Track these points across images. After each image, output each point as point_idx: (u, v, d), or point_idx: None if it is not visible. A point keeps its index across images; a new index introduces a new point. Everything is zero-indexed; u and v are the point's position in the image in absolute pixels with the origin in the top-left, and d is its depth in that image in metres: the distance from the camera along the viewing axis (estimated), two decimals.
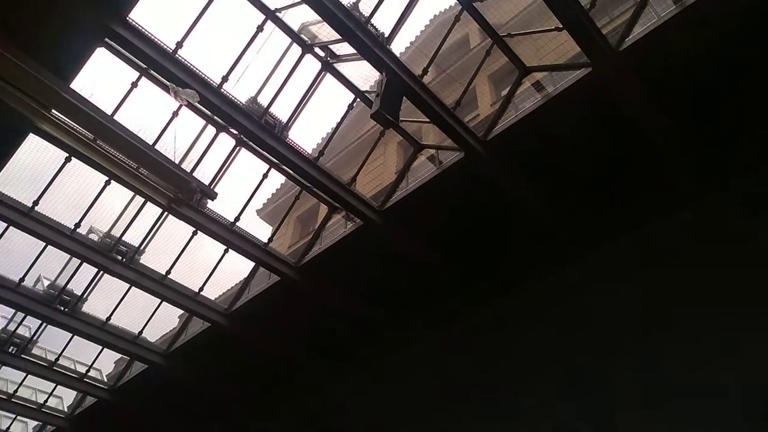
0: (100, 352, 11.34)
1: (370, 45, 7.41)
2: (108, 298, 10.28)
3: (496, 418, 8.48)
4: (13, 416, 13.05)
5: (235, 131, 8.56)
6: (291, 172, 9.01)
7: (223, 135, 8.66)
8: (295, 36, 8.28)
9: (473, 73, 9.16)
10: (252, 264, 10.08)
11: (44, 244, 8.99)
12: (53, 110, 6.70)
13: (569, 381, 7.85)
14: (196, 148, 8.56)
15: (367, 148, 10.21)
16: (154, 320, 10.75)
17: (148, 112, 8.22)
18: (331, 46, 8.45)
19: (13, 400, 12.07)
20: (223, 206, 9.13)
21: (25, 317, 10.57)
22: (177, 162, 8.00)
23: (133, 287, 9.87)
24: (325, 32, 7.98)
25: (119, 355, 12.17)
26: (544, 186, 8.53)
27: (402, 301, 10.10)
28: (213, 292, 10.43)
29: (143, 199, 8.92)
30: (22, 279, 9.49)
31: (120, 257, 9.35)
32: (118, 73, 7.62)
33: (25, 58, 6.21)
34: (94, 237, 9.23)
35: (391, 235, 9.11)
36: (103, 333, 10.36)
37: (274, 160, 8.83)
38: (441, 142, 9.21)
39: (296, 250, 11.91)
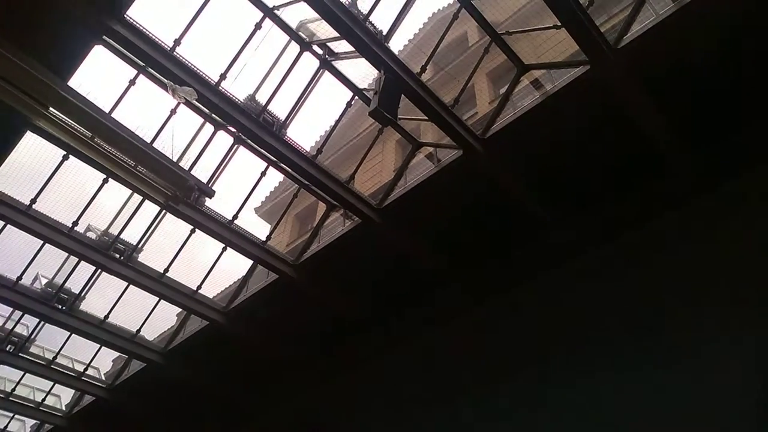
0: (98, 350, 11.33)
1: (369, 43, 7.39)
2: (106, 296, 10.29)
3: (488, 416, 8.47)
4: (11, 415, 13.07)
5: (233, 129, 8.56)
6: (289, 170, 9.01)
7: (221, 133, 8.66)
8: (293, 34, 8.27)
9: (472, 71, 9.15)
10: (250, 262, 10.07)
11: (42, 242, 8.99)
12: (51, 108, 6.68)
13: (567, 379, 7.85)
14: (194, 146, 8.56)
15: (365, 146, 10.21)
16: (152, 318, 10.76)
17: (145, 110, 8.21)
18: (329, 44, 8.43)
19: (10, 398, 12.09)
20: (221, 204, 9.14)
21: (22, 315, 10.57)
22: (175, 160, 7.98)
23: (131, 285, 9.86)
24: (324, 30, 7.97)
25: (117, 354, 12.15)
26: (541, 183, 8.53)
27: (399, 300, 10.10)
28: (211, 290, 10.42)
29: (141, 197, 8.90)
30: (19, 277, 9.48)
31: (118, 255, 9.34)
32: (115, 71, 7.62)
33: (22, 55, 6.19)
34: (92, 235, 9.21)
35: (389, 233, 9.11)
36: (101, 331, 10.36)
37: (272, 158, 8.82)
38: (439, 140, 9.20)
39: (294, 248, 11.90)
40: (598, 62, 7.33)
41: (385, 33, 7.60)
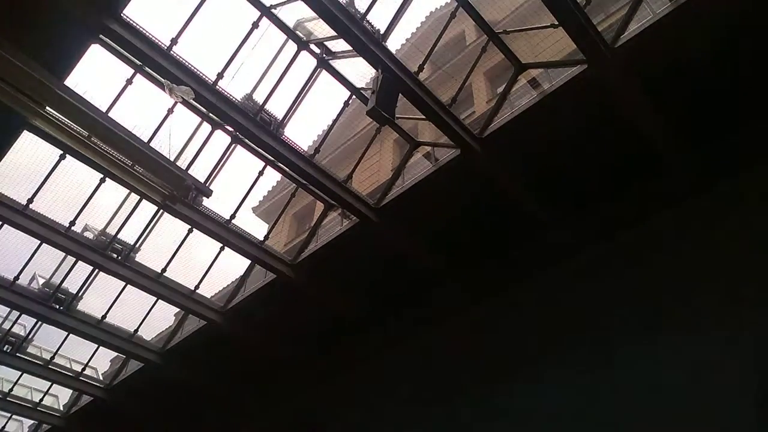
0: (96, 350, 11.30)
1: (366, 42, 7.39)
2: (103, 296, 10.25)
3: (486, 415, 8.47)
4: (9, 415, 13.03)
5: (230, 128, 8.55)
6: (287, 169, 9.01)
7: (218, 132, 8.66)
8: (290, 33, 8.25)
9: (469, 70, 9.15)
10: (248, 262, 10.06)
11: (39, 242, 8.97)
12: (47, 107, 6.66)
13: (565, 378, 7.85)
14: (191, 145, 8.55)
15: (362, 145, 10.20)
16: (150, 318, 10.74)
17: (143, 109, 8.19)
18: (326, 43, 8.42)
19: (8, 398, 12.06)
20: (219, 204, 9.12)
21: (20, 316, 10.54)
22: (172, 159, 7.97)
23: (128, 285, 9.84)
24: (321, 29, 7.95)
25: (115, 354, 12.14)
26: (539, 183, 8.53)
27: (397, 299, 10.09)
28: (209, 290, 10.41)
29: (138, 197, 8.88)
30: (16, 277, 9.45)
31: (115, 255, 9.32)
32: (112, 70, 7.61)
33: (18, 54, 6.17)
34: (89, 235, 9.19)
35: (387, 233, 9.10)
36: (98, 331, 10.34)
37: (270, 157, 8.81)
38: (437, 139, 9.19)
39: (292, 247, 11.90)
40: (596, 61, 7.33)
41: (382, 32, 7.61)
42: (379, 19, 7.56)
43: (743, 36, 7.09)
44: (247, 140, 8.60)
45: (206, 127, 8.57)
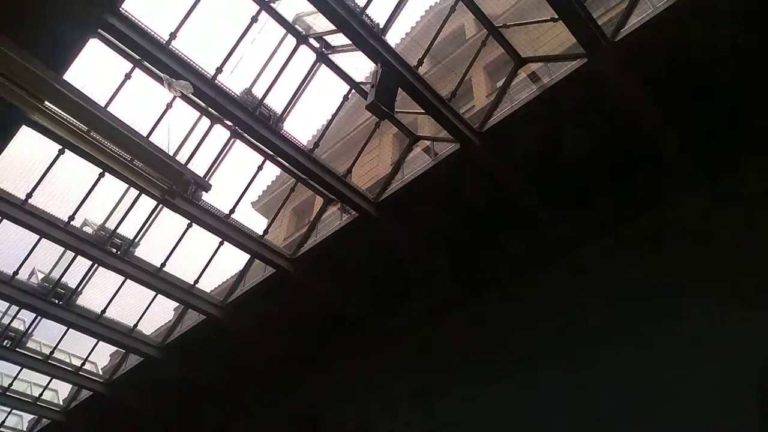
0: (95, 345, 11.30)
1: (365, 36, 7.37)
2: (103, 291, 10.25)
3: (486, 410, 8.48)
4: (9, 410, 13.05)
5: (229, 123, 8.53)
6: (286, 163, 8.99)
7: (217, 127, 8.64)
8: (289, 27, 8.23)
9: (469, 64, 9.13)
10: (247, 256, 10.06)
11: (38, 237, 8.95)
12: (46, 102, 6.64)
13: (558, 375, 7.86)
14: (190, 139, 8.52)
15: (362, 139, 10.19)
16: (150, 313, 10.75)
17: (141, 103, 8.17)
18: (326, 37, 8.40)
19: (8, 393, 12.06)
20: (218, 198, 9.12)
21: (19, 310, 10.53)
22: (171, 154, 7.95)
23: (128, 280, 9.84)
24: (320, 23, 7.94)
25: (114, 348, 12.13)
26: (539, 177, 8.53)
27: (396, 293, 10.10)
28: (208, 284, 10.41)
29: (138, 192, 8.87)
30: (16, 272, 9.45)
31: (115, 250, 9.32)
32: (111, 65, 7.57)
33: (17, 49, 6.14)
34: (88, 230, 9.18)
35: (386, 227, 9.10)
36: (98, 326, 10.34)
37: (269, 151, 8.80)
38: (436, 133, 9.19)
39: (292, 242, 11.88)
40: (596, 55, 7.33)
41: (381, 26, 7.59)
42: (378, 13, 7.56)
43: (744, 31, 7.08)
44: (246, 135, 8.59)
45: (205, 122, 8.56)
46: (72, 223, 8.87)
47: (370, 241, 9.33)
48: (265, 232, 9.68)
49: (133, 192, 8.95)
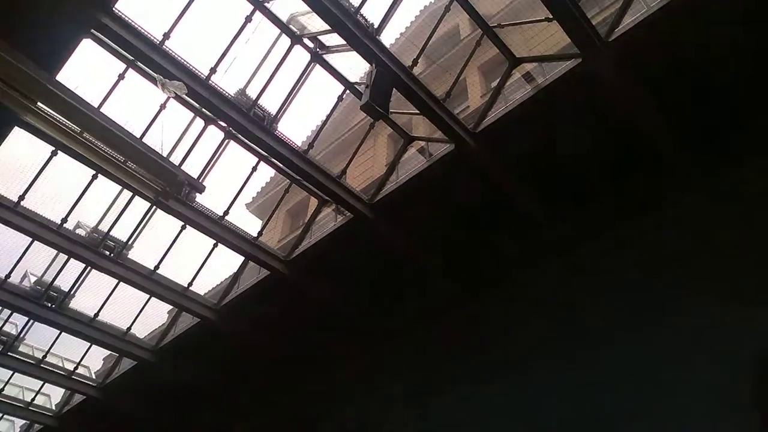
0: (89, 348, 11.21)
1: (360, 36, 7.36)
2: (96, 294, 10.16)
3: (483, 410, 8.46)
4: (0, 415, 12.91)
5: (223, 124, 8.49)
6: (280, 164, 8.96)
7: (211, 128, 8.59)
8: (284, 27, 8.20)
9: (463, 64, 9.13)
10: (241, 258, 10.01)
11: (30, 239, 8.87)
12: (39, 103, 6.58)
13: (555, 375, 7.85)
14: (184, 141, 8.48)
15: (357, 140, 10.16)
16: (143, 316, 10.67)
17: (135, 104, 8.12)
18: (320, 37, 8.38)
19: None
20: (212, 200, 9.07)
21: (11, 314, 10.46)
22: (165, 155, 7.90)
23: (121, 283, 9.76)
24: (315, 23, 7.91)
25: (108, 352, 12.05)
26: (534, 177, 8.53)
27: (392, 294, 10.08)
28: (202, 287, 10.35)
29: (131, 194, 8.81)
30: (8, 275, 9.36)
31: (108, 252, 9.24)
32: (104, 65, 7.53)
33: (9, 49, 6.08)
34: (81, 232, 9.11)
35: (381, 228, 9.08)
36: (91, 329, 10.26)
37: (264, 152, 8.76)
38: (431, 134, 9.19)
39: (286, 244, 11.84)
40: (590, 55, 7.33)
41: (376, 26, 7.58)
42: (372, 13, 7.55)
43: (740, 30, 7.10)
44: (240, 135, 8.55)
45: (199, 123, 8.51)
46: (65, 225, 8.79)
47: (365, 243, 9.30)
48: (260, 233, 9.63)
49: (127, 194, 8.89)
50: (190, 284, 9.99)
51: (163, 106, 8.09)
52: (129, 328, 10.62)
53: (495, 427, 8.17)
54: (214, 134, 8.68)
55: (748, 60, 7.32)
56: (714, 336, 6.73)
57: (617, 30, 7.30)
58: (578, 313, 8.11)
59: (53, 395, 13.03)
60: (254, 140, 8.30)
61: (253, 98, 8.11)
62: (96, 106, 7.26)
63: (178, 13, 7.39)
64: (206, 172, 8.83)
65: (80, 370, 11.62)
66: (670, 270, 7.54)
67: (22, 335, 10.83)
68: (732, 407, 6.27)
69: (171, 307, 10.71)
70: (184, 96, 7.55)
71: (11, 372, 11.45)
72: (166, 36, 7.27)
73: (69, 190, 8.55)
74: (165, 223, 9.34)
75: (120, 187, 8.73)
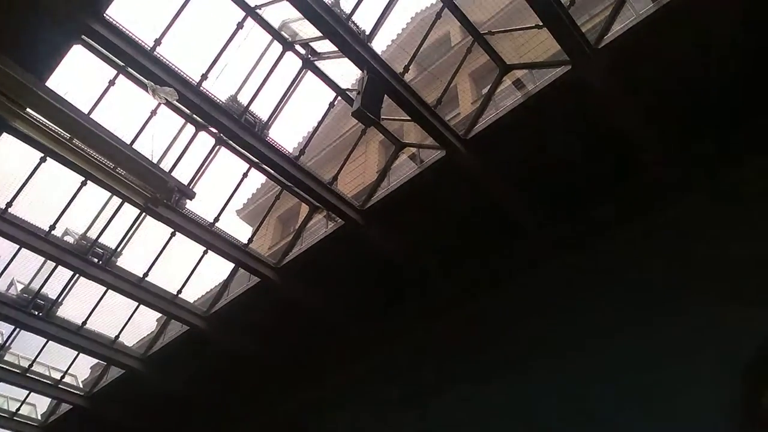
0: (76, 357, 11.06)
1: (351, 42, 7.37)
2: (84, 302, 10.05)
3: (479, 413, 8.44)
4: None
5: (214, 130, 8.46)
6: (271, 171, 8.93)
7: (202, 134, 8.55)
8: (275, 33, 8.19)
9: (454, 71, 9.18)
10: (232, 265, 9.95)
11: (18, 246, 8.76)
12: (28, 109, 6.52)
13: (555, 375, 7.85)
14: (174, 147, 8.43)
15: (348, 147, 10.16)
16: (132, 324, 10.56)
17: (125, 110, 8.07)
18: (312, 44, 8.39)
19: None
20: (202, 207, 9.03)
21: None
22: (155, 161, 7.86)
23: (109, 291, 9.67)
24: (306, 29, 7.92)
25: (96, 361, 11.89)
26: (526, 183, 8.57)
27: (383, 300, 10.06)
28: (193, 294, 10.27)
29: (120, 200, 8.73)
30: None
31: (96, 260, 9.15)
32: (94, 71, 7.48)
33: None
34: (69, 239, 9.02)
35: (372, 234, 9.07)
36: (78, 338, 10.13)
37: (255, 159, 8.74)
38: (422, 140, 9.21)
39: (277, 250, 11.80)
40: (580, 62, 7.40)
41: (368, 32, 7.60)
42: (364, 20, 7.56)
43: (724, 37, 7.21)
44: (231, 142, 8.52)
45: (190, 129, 8.47)
46: (53, 232, 8.70)
47: (357, 249, 9.29)
48: (250, 240, 9.59)
49: (116, 201, 8.81)
50: (180, 291, 9.92)
51: (153, 112, 8.06)
52: (117, 336, 10.51)
53: (495, 427, 8.14)
54: (205, 140, 8.66)
55: (744, 61, 7.41)
56: (714, 336, 6.72)
57: (606, 37, 7.38)
58: (578, 313, 8.10)
59: (39, 405, 12.83)
60: (245, 146, 8.26)
61: (245, 104, 8.09)
62: (86, 112, 7.21)
63: (170, 19, 7.37)
64: (197, 178, 8.78)
65: (67, 379, 11.46)
66: (670, 270, 7.54)
67: (7, 344, 10.67)
68: (732, 407, 6.29)
69: (160, 314, 10.60)
70: (174, 102, 7.52)
71: None
72: (158, 42, 7.23)
73: (58, 196, 8.48)
74: (155, 230, 9.27)
75: (109, 194, 8.65)
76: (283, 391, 11.12)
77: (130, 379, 10.93)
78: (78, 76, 7.43)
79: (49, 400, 12.19)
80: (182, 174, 8.41)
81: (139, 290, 9.61)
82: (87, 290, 9.89)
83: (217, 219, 9.18)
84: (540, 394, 7.83)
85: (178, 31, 7.37)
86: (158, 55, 7.25)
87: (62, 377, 11.32)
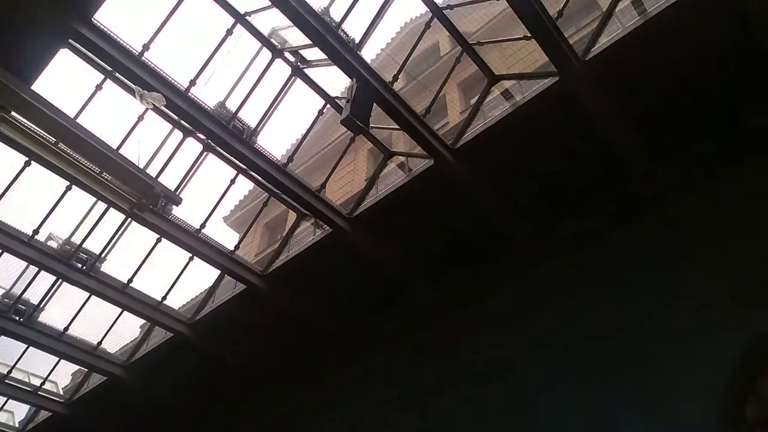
0: (57, 363, 10.88)
1: (341, 50, 7.38)
2: (67, 307, 9.92)
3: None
4: None
5: (202, 136, 8.42)
6: (259, 178, 8.89)
7: (189, 140, 8.51)
8: (265, 40, 8.19)
9: (443, 81, 9.22)
10: (218, 272, 9.88)
11: (0, 251, 8.63)
12: (13, 112, 6.45)
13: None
14: (161, 153, 8.37)
15: (337, 154, 10.17)
16: (115, 330, 10.42)
17: (112, 115, 8.01)
18: (301, 51, 8.39)
19: None
20: (189, 213, 8.96)
21: None
22: (142, 167, 7.78)
23: (93, 296, 9.55)
24: (296, 37, 7.92)
25: (77, 367, 11.73)
26: (511, 193, 8.62)
27: (371, 309, 10.03)
28: (179, 301, 10.18)
29: (106, 205, 8.65)
30: None
31: (80, 265, 9.04)
32: (82, 75, 7.42)
33: None
34: (53, 244, 8.90)
35: (360, 243, 9.06)
36: (60, 344, 9.98)
37: (242, 165, 8.70)
38: (411, 149, 9.23)
39: (263, 258, 11.74)
40: (567, 73, 7.47)
41: (357, 41, 7.61)
42: (354, 29, 7.58)
43: (707, 52, 7.32)
44: (219, 148, 8.48)
45: (177, 135, 8.43)
46: (36, 237, 8.59)
47: (344, 257, 9.26)
48: (236, 247, 9.53)
49: (101, 205, 8.73)
50: (164, 298, 9.82)
51: (141, 118, 8.01)
52: (99, 343, 10.36)
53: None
54: (193, 146, 8.61)
55: (720, 75, 7.52)
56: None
57: (593, 49, 7.46)
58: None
59: (17, 412, 12.63)
60: (233, 153, 8.22)
61: (233, 111, 8.05)
62: (72, 116, 7.14)
63: (159, 24, 7.35)
64: (183, 184, 8.73)
65: (47, 386, 11.27)
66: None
67: None
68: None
69: (144, 321, 10.49)
70: (162, 107, 7.48)
71: None
72: (146, 47, 7.19)
73: (42, 201, 8.38)
74: (140, 236, 9.18)
75: (94, 199, 8.56)
76: (269, 399, 11.03)
77: (112, 386, 10.77)
78: (65, 80, 7.37)
79: (28, 407, 12.00)
80: (169, 180, 8.36)
81: (123, 296, 9.50)
82: (70, 296, 9.76)
83: (203, 225, 9.12)
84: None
85: (166, 36, 7.35)
86: (146, 60, 7.20)
87: (42, 384, 11.13)
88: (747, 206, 7.32)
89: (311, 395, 10.68)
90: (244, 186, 17.74)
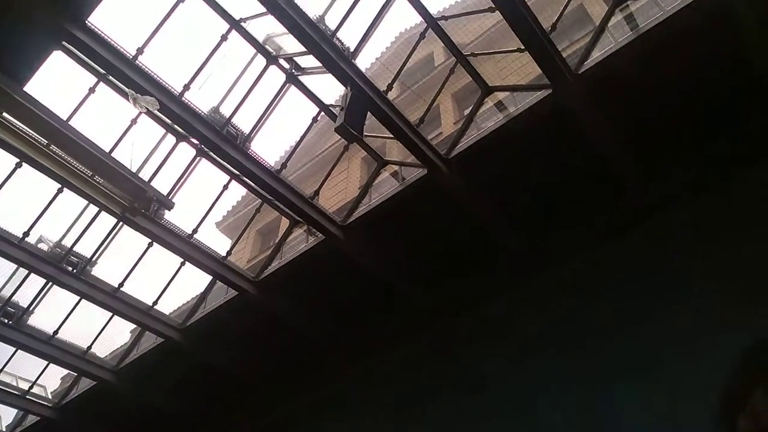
0: (45, 367, 10.82)
1: (336, 58, 7.41)
2: (57, 310, 9.88)
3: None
4: None
5: (195, 141, 8.41)
6: (252, 184, 8.88)
7: (183, 144, 8.50)
8: (259, 47, 8.20)
9: (437, 91, 9.26)
10: (209, 278, 9.85)
11: None
12: (5, 113, 6.45)
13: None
14: (154, 157, 8.37)
15: (330, 162, 10.18)
16: (105, 335, 10.39)
17: (105, 118, 8.02)
18: (296, 59, 8.40)
19: None
20: (181, 218, 8.97)
21: None
22: (134, 171, 7.79)
23: (83, 300, 9.51)
24: (291, 44, 7.95)
25: (66, 371, 11.66)
26: (504, 203, 8.64)
27: (363, 316, 10.01)
28: (170, 306, 10.14)
29: (97, 209, 8.63)
30: None
31: (71, 268, 9.01)
32: (75, 78, 7.43)
33: None
34: (43, 246, 8.87)
35: (353, 250, 9.05)
36: (49, 347, 9.91)
37: (235, 171, 8.69)
38: (404, 158, 9.24)
39: (255, 264, 11.72)
40: (560, 86, 7.51)
41: (352, 49, 7.63)
42: (349, 37, 7.61)
43: (699, 66, 7.38)
44: (212, 153, 8.48)
45: (170, 139, 8.41)
46: (27, 239, 8.56)
47: (337, 264, 9.24)
48: (228, 253, 9.51)
49: (93, 209, 8.70)
50: (155, 303, 9.78)
51: (134, 121, 8.00)
52: (89, 347, 10.31)
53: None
54: (186, 151, 8.61)
55: (712, 89, 7.56)
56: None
57: (586, 63, 7.51)
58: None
59: (5, 417, 12.53)
60: (226, 158, 8.22)
61: (227, 116, 8.06)
62: (65, 118, 7.14)
63: (153, 28, 7.36)
64: (176, 189, 8.70)
65: (36, 390, 11.19)
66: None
67: None
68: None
69: (135, 326, 10.45)
70: (156, 112, 7.47)
71: None
72: (140, 51, 7.19)
73: (33, 203, 8.36)
74: (132, 240, 9.17)
75: (86, 202, 8.54)
76: (260, 406, 10.97)
77: (101, 390, 10.70)
78: (58, 82, 7.39)
79: (15, 411, 11.91)
80: (161, 184, 8.35)
81: (114, 300, 9.46)
82: (60, 299, 9.72)
83: (195, 230, 9.10)
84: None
85: (161, 40, 7.37)
86: (140, 64, 7.21)
87: (30, 387, 11.05)
88: (747, 206, 7.31)
89: (306, 398, 10.61)
90: (237, 192, 17.74)
